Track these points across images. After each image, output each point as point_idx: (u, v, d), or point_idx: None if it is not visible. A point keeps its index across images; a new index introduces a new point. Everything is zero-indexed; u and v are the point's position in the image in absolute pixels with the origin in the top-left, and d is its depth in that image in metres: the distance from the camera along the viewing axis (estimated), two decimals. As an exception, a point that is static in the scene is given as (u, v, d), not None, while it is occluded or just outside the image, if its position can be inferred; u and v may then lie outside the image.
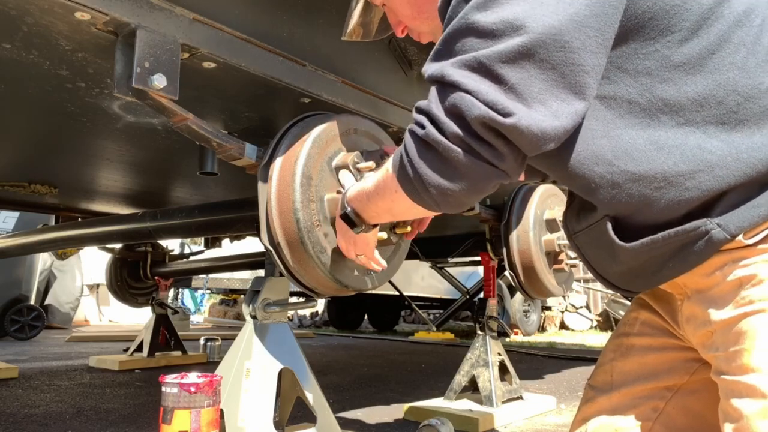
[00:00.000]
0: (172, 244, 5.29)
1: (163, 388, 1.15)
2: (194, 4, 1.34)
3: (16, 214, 6.26)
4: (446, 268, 4.42)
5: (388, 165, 0.91)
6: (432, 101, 0.77)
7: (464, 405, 2.56)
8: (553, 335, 8.22)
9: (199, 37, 1.35)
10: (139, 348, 4.11)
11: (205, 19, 1.36)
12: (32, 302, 6.45)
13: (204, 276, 8.07)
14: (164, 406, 1.14)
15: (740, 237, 0.71)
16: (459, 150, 0.74)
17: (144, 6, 1.24)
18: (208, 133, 1.41)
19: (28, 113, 1.91)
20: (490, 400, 2.53)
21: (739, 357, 0.71)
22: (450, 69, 0.74)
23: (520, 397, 2.73)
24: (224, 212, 2.31)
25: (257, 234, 1.63)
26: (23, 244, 3.62)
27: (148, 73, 1.22)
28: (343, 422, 2.30)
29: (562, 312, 9.42)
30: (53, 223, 3.84)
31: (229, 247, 4.46)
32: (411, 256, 2.80)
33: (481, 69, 0.71)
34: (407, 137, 0.82)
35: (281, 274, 1.59)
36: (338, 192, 1.45)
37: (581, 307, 9.53)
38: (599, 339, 7.34)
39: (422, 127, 0.78)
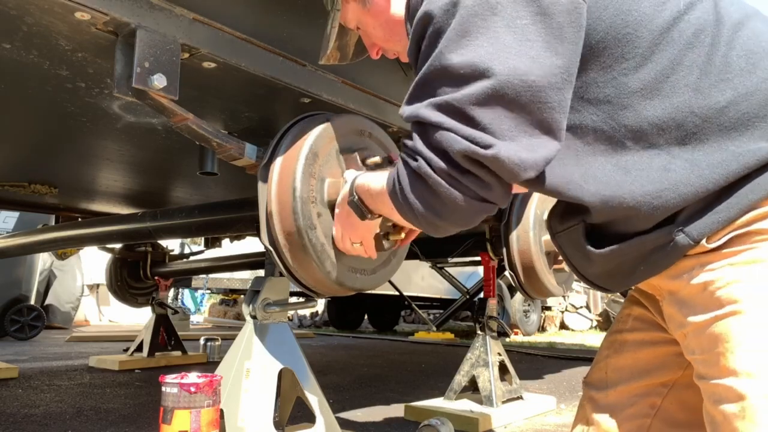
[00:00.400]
0: (172, 244, 5.29)
1: (163, 388, 1.15)
2: (194, 4, 1.33)
3: (16, 214, 6.26)
4: (446, 268, 4.42)
5: (384, 182, 0.96)
6: (416, 140, 0.81)
7: (464, 405, 2.56)
8: (553, 335, 8.22)
9: (199, 37, 1.35)
10: (139, 348, 4.11)
11: (205, 19, 1.36)
12: (32, 302, 6.45)
13: (204, 276, 8.07)
14: (164, 406, 1.14)
15: (703, 242, 0.75)
16: (446, 185, 0.78)
17: (144, 6, 1.24)
18: (208, 133, 1.41)
19: (28, 113, 1.91)
20: (490, 400, 2.53)
21: (716, 360, 0.74)
22: (425, 110, 0.79)
23: (520, 397, 2.73)
24: (224, 212, 2.31)
25: (257, 234, 1.63)
26: (23, 244, 3.62)
27: (148, 73, 1.22)
28: (343, 422, 2.30)
29: (562, 312, 9.42)
30: (53, 223, 3.84)
31: (229, 247, 4.47)
32: (411, 256, 2.80)
33: (454, 111, 0.75)
34: (400, 166, 0.86)
35: (281, 274, 1.59)
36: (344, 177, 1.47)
37: (581, 307, 9.53)
38: (599, 339, 7.34)
39: (414, 159, 0.82)
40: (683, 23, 0.78)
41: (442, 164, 0.78)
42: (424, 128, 0.80)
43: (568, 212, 0.89)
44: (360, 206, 1.15)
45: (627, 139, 0.78)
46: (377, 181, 1.07)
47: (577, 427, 1.00)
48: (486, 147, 0.73)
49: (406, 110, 0.83)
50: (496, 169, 0.75)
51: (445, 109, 0.76)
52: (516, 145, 0.74)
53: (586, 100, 0.80)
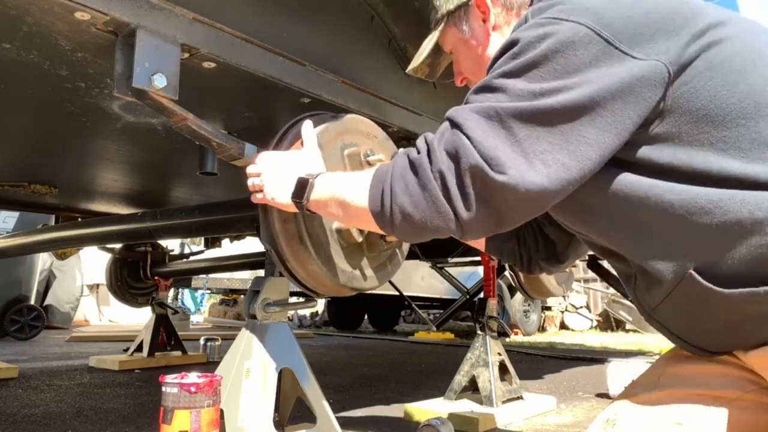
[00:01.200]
0: (172, 244, 5.29)
1: (163, 388, 1.15)
2: (194, 4, 1.33)
3: (16, 214, 6.25)
4: (446, 268, 4.43)
5: (371, 169, 0.99)
6: (437, 136, 0.85)
7: (464, 405, 2.56)
8: (553, 335, 8.22)
9: (199, 37, 1.35)
10: (139, 348, 4.10)
11: (205, 19, 1.36)
12: (32, 302, 6.45)
13: (204, 276, 8.07)
14: (164, 406, 1.14)
15: None
16: (436, 186, 0.82)
17: (144, 6, 1.24)
18: (208, 133, 1.41)
19: (28, 113, 1.91)
20: (490, 400, 2.53)
21: None
22: (465, 112, 0.82)
23: (520, 397, 2.72)
24: (224, 212, 2.31)
25: (257, 234, 1.63)
26: (23, 244, 3.62)
27: (148, 73, 1.22)
28: (343, 422, 2.30)
29: (562, 312, 9.42)
30: (53, 223, 3.84)
31: (229, 247, 4.46)
32: (411, 256, 2.80)
33: (496, 118, 0.79)
34: (400, 155, 0.90)
35: (281, 274, 1.59)
36: None
37: (581, 307, 9.53)
38: (599, 339, 7.34)
39: (418, 152, 0.86)
40: None
41: (444, 166, 0.81)
42: (452, 128, 0.83)
43: (655, 280, 0.84)
44: (304, 187, 1.12)
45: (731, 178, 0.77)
46: (350, 174, 1.10)
47: (601, 415, 0.96)
48: (499, 172, 0.77)
49: (451, 109, 0.86)
50: (498, 194, 0.78)
51: (489, 114, 0.80)
52: (535, 172, 0.77)
53: (709, 146, 0.78)
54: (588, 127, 0.77)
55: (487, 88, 0.83)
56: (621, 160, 0.82)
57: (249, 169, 1.31)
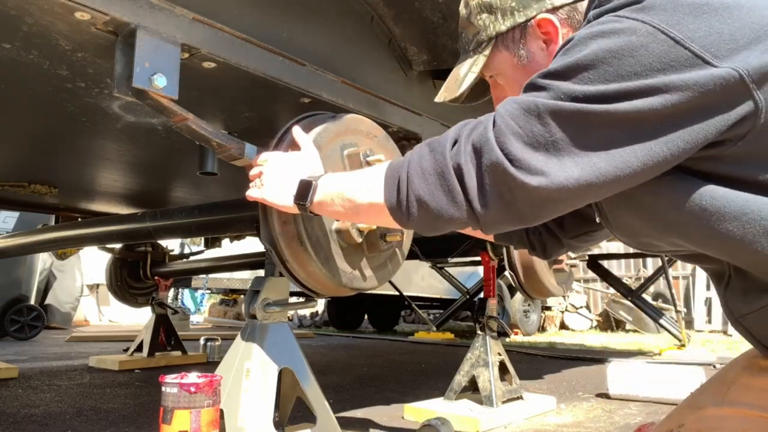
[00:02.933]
0: (172, 244, 5.29)
1: (163, 388, 1.15)
2: (194, 4, 1.34)
3: (16, 214, 6.25)
4: (446, 268, 4.43)
5: (380, 164, 0.98)
6: (471, 126, 0.82)
7: (464, 405, 2.56)
8: (553, 335, 8.22)
9: (199, 37, 1.35)
10: (139, 348, 4.10)
11: (205, 19, 1.36)
12: (32, 302, 6.45)
13: (204, 276, 8.07)
14: (164, 406, 1.14)
15: None
16: (453, 176, 0.80)
17: (144, 6, 1.24)
18: (208, 133, 1.41)
19: (28, 113, 1.91)
20: (490, 400, 2.52)
21: None
22: (508, 105, 0.79)
23: (520, 397, 2.72)
24: (224, 212, 2.31)
25: (257, 234, 1.63)
26: (23, 244, 3.62)
27: (148, 73, 1.22)
28: (343, 422, 2.30)
29: (562, 312, 9.41)
30: (53, 223, 3.84)
31: (229, 247, 4.46)
32: (411, 256, 2.81)
33: (535, 113, 0.75)
34: (421, 144, 0.87)
35: (281, 274, 1.59)
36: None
37: (581, 307, 9.52)
38: (599, 339, 7.34)
39: (444, 140, 0.84)
40: None
41: (467, 157, 0.79)
42: (491, 122, 0.80)
43: (756, 287, 0.78)
44: (307, 189, 1.10)
45: None
46: (358, 171, 1.06)
47: (663, 423, 0.91)
48: (521, 171, 0.75)
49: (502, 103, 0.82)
50: (516, 191, 0.76)
51: (529, 109, 0.77)
52: (564, 171, 0.74)
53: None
54: (637, 135, 0.71)
55: (533, 86, 0.79)
56: (730, 177, 0.74)
57: (251, 172, 1.30)
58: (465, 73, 1.06)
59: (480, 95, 1.15)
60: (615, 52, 0.71)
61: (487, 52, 1.02)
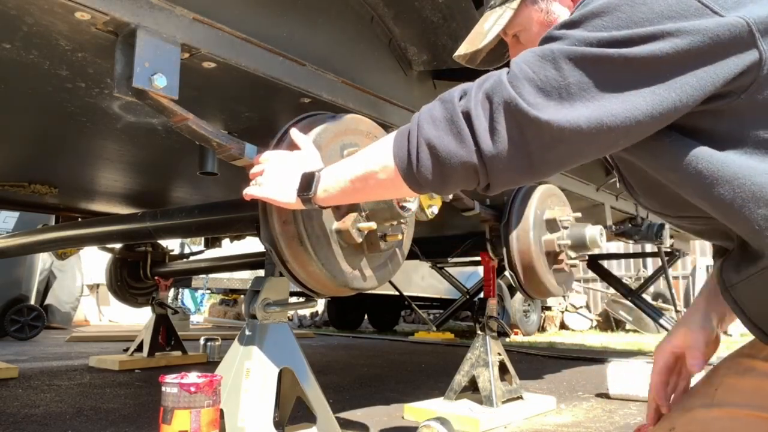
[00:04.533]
0: (172, 244, 5.29)
1: (163, 388, 1.15)
2: (194, 4, 1.34)
3: (16, 214, 6.25)
4: (446, 268, 4.43)
5: (382, 139, 0.96)
6: (483, 77, 0.82)
7: (464, 405, 2.56)
8: (553, 335, 8.22)
9: (199, 37, 1.35)
10: (139, 348, 4.11)
11: (205, 19, 1.36)
12: (32, 302, 6.45)
13: (204, 276, 8.07)
14: (164, 406, 1.14)
15: None
16: (461, 118, 0.80)
17: (144, 6, 1.24)
18: (208, 133, 1.41)
19: (29, 113, 1.91)
20: (490, 400, 2.53)
21: None
22: (525, 54, 0.79)
23: (520, 397, 2.72)
24: (224, 212, 2.31)
25: (257, 234, 1.63)
26: (23, 244, 3.62)
27: (148, 73, 1.22)
28: (343, 422, 2.30)
29: (562, 312, 9.42)
30: (53, 223, 3.84)
31: (229, 247, 4.46)
32: (411, 256, 2.81)
33: (550, 58, 0.76)
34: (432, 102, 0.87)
35: (281, 274, 1.59)
36: None
37: (581, 307, 9.53)
38: (599, 339, 7.34)
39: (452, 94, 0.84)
40: None
41: (478, 99, 0.79)
42: (503, 72, 0.80)
43: (748, 257, 0.79)
44: (311, 181, 1.10)
45: None
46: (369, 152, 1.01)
47: (657, 428, 0.92)
48: (532, 107, 0.75)
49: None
50: (527, 128, 0.75)
51: (544, 55, 0.77)
52: (573, 111, 0.74)
53: None
54: (647, 79, 0.73)
55: (549, 38, 0.79)
56: (729, 136, 0.76)
57: (252, 171, 1.30)
58: (490, 27, 1.04)
59: (496, 59, 1.13)
60: (628, 1, 0.74)
61: (514, 5, 1.01)
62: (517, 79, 0.77)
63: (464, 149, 0.79)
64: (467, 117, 0.79)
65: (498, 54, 1.12)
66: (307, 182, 1.11)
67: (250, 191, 1.24)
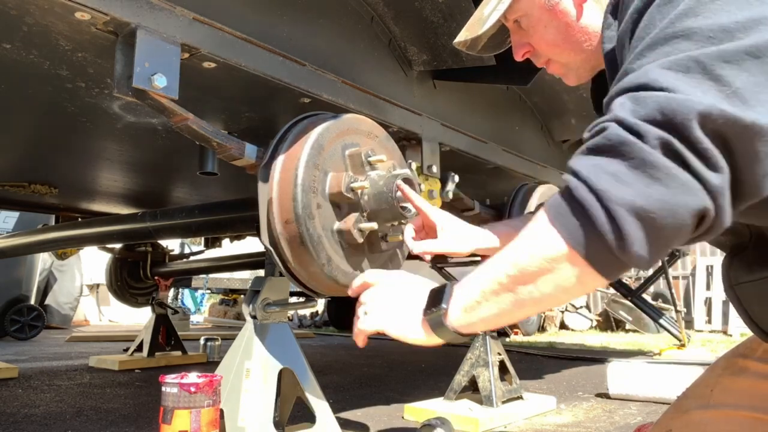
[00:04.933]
0: (172, 244, 5.29)
1: (163, 388, 1.15)
2: (194, 4, 1.34)
3: (16, 214, 6.26)
4: (446, 268, 4.43)
5: (529, 224, 0.69)
6: (614, 111, 0.62)
7: (464, 405, 2.56)
8: (553, 335, 8.22)
9: (199, 37, 1.35)
10: (139, 348, 4.11)
11: (205, 19, 1.36)
12: (32, 302, 6.45)
13: (204, 276, 8.08)
14: (164, 406, 1.14)
15: None
16: (661, 156, 0.57)
17: (144, 6, 1.24)
18: (208, 133, 1.41)
19: (29, 113, 1.91)
20: (490, 400, 2.53)
21: None
22: (652, 72, 0.61)
23: (520, 397, 2.72)
24: (224, 212, 2.31)
25: (257, 234, 1.63)
26: (23, 244, 3.62)
27: (148, 73, 1.22)
28: (343, 422, 2.30)
29: (562, 312, 9.42)
30: (53, 223, 3.84)
31: (229, 247, 4.47)
32: (411, 256, 2.81)
33: (698, 68, 0.59)
34: (572, 164, 0.64)
35: (281, 274, 1.59)
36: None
37: (581, 307, 9.53)
38: (599, 339, 7.34)
39: (601, 139, 0.61)
40: None
41: (658, 131, 0.57)
42: (639, 94, 0.60)
43: (764, 259, 0.75)
44: (440, 299, 0.81)
45: None
46: (492, 260, 0.73)
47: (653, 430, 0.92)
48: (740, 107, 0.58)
49: (624, 82, 0.64)
50: (746, 139, 0.57)
51: (687, 66, 0.59)
52: None
53: None
54: None
55: (663, 41, 0.63)
56: None
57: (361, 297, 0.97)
58: (490, 12, 0.97)
59: (497, 46, 1.07)
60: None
61: None
62: (682, 92, 0.59)
63: (689, 193, 0.58)
64: (666, 148, 0.58)
65: (499, 40, 1.05)
66: (436, 300, 0.83)
67: (364, 327, 0.94)
